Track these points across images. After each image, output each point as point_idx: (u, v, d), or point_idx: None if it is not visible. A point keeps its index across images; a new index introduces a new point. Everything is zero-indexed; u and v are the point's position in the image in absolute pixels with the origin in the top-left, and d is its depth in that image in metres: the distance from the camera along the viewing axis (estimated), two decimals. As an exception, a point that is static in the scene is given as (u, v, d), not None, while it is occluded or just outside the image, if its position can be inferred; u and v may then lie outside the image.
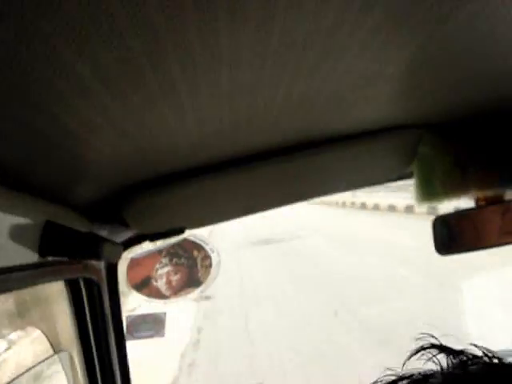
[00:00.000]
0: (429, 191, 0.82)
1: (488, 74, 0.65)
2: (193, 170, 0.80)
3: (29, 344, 3.38)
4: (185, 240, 1.52)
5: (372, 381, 0.40)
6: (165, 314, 1.79)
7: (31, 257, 0.55)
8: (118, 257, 0.91)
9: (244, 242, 12.65)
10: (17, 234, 0.50)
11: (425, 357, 0.35)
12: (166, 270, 1.73)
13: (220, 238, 12.10)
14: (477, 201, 0.91)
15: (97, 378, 0.91)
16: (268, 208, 1.10)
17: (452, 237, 0.90)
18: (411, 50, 0.52)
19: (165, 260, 1.72)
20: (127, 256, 1.61)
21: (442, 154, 0.79)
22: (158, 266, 1.77)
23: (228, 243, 11.66)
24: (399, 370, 0.38)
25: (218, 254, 1.63)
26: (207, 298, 7.35)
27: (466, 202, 0.92)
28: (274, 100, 0.57)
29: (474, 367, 0.29)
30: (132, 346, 1.24)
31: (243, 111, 0.58)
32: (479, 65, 0.61)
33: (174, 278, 1.74)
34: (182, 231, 1.10)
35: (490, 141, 0.78)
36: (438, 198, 0.81)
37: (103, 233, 0.88)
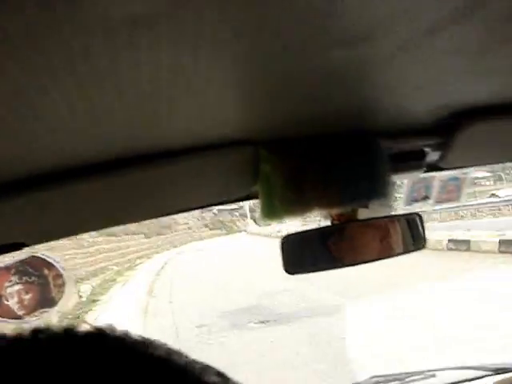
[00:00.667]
0: (270, 210, 0.82)
1: (321, 94, 0.65)
2: (34, 176, 0.69)
3: None
4: (33, 257, 1.36)
5: None
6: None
7: None
8: None
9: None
10: None
11: None
12: (16, 288, 1.57)
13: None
14: (332, 219, 0.92)
15: None
16: (126, 221, 1.01)
17: (302, 256, 0.91)
18: (245, 63, 0.50)
19: (14, 278, 1.55)
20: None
21: (280, 171, 0.79)
22: (7, 284, 1.59)
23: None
24: None
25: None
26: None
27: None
28: (112, 107, 0.53)
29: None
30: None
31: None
32: (314, 87, 0.61)
33: (26, 297, 1.58)
34: (19, 247, 0.97)
35: (326, 159, 0.79)
36: (280, 216, 0.82)
37: None
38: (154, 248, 29.54)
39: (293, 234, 0.91)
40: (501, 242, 8.84)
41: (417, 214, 1.00)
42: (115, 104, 0.54)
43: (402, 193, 1.03)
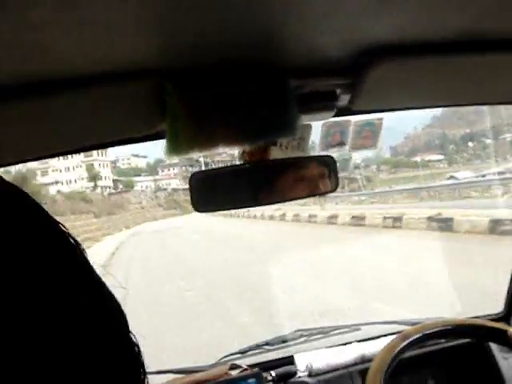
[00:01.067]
0: (175, 145, 0.81)
1: (227, 25, 0.64)
2: None
3: None
4: None
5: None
6: None
7: None
8: None
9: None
10: None
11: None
12: None
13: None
14: (243, 158, 0.92)
15: None
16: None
17: (210, 194, 0.90)
18: None
19: None
20: None
21: (185, 105, 0.78)
22: None
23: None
24: None
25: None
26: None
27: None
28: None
29: None
30: None
31: None
32: (219, 17, 0.60)
33: None
34: None
35: (232, 94, 0.79)
36: (184, 151, 0.81)
37: None
38: (105, 229, 28.16)
39: (201, 172, 0.91)
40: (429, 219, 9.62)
41: (330, 156, 1.02)
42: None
43: (318, 137, 1.04)
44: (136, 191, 41.24)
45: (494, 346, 1.30)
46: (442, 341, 1.33)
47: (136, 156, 54.22)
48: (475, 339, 1.24)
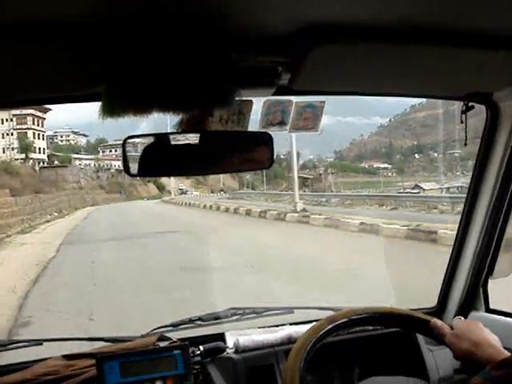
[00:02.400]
0: (111, 105, 0.82)
1: None
2: None
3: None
4: None
5: None
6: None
7: None
8: None
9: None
10: None
11: None
12: None
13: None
14: (180, 126, 0.93)
15: None
16: None
17: (143, 159, 0.91)
18: None
19: None
20: None
21: (122, 68, 0.79)
22: None
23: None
24: None
25: None
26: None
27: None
28: None
29: None
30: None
31: None
32: None
33: None
34: None
35: (168, 59, 0.81)
36: (119, 113, 0.83)
37: None
38: (27, 214, 18.43)
39: (135, 136, 0.91)
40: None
41: (267, 133, 1.05)
42: None
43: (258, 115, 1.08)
44: (74, 168, 36.65)
45: (420, 338, 1.37)
46: (370, 328, 1.38)
47: (76, 133, 51.50)
48: (400, 328, 1.30)
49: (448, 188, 21.36)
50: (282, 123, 1.12)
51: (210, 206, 21.09)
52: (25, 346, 1.33)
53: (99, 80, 0.82)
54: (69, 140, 49.46)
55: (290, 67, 0.95)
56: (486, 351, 0.97)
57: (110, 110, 0.81)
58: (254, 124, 1.14)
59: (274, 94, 1.04)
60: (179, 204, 25.87)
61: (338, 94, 1.14)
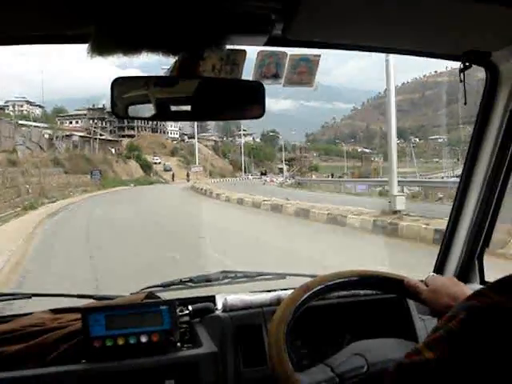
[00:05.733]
0: (100, 44, 0.84)
1: None
2: None
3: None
4: None
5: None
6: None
7: None
8: None
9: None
10: None
11: None
12: None
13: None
14: (174, 71, 0.95)
15: None
16: None
17: (131, 100, 0.93)
18: None
19: None
20: None
21: (113, 8, 0.80)
22: None
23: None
24: None
25: None
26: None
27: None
28: None
29: None
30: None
31: None
32: None
33: None
34: None
35: (158, 1, 0.81)
36: (108, 52, 0.85)
37: None
38: None
39: (125, 77, 0.92)
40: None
41: (259, 83, 1.07)
42: None
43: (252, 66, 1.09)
44: (5, 125, 23.84)
45: (413, 307, 1.40)
46: (361, 293, 1.41)
47: (30, 103, 48.16)
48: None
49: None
50: (276, 76, 1.13)
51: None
52: (14, 299, 1.36)
53: (89, 19, 0.83)
54: (22, 111, 45.88)
55: (284, 14, 0.96)
56: None
57: (99, 50, 0.82)
58: (248, 78, 1.15)
59: (267, 44, 1.06)
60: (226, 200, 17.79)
61: (332, 47, 1.15)
